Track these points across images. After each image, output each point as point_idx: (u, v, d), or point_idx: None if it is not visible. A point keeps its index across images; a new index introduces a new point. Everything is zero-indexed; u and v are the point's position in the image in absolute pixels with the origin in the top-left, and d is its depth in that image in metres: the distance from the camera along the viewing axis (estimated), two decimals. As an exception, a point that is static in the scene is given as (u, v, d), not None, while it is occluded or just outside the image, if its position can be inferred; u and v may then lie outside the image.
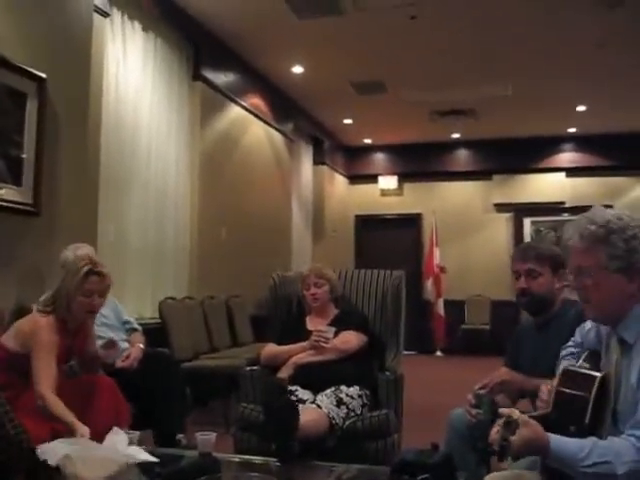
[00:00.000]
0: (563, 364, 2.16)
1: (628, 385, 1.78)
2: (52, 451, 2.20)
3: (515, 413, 1.71)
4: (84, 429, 2.59)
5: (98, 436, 2.51)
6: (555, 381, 1.97)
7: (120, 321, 4.05)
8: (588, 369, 1.94)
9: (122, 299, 4.79)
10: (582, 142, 10.88)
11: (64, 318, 2.99)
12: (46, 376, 2.78)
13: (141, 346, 3.84)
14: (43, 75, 4.09)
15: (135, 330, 4.07)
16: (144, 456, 2.31)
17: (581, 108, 9.29)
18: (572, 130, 10.60)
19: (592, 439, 1.69)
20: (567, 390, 1.90)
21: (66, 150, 4.36)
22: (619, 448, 1.65)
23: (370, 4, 5.90)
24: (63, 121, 4.32)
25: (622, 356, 1.85)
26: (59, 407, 2.69)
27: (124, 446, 2.35)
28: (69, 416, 2.66)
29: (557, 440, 1.70)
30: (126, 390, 3.24)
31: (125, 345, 3.87)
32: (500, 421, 1.71)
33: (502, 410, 1.76)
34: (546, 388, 2.13)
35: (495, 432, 1.73)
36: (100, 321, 3.85)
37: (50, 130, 4.17)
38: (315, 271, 3.66)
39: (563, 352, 2.28)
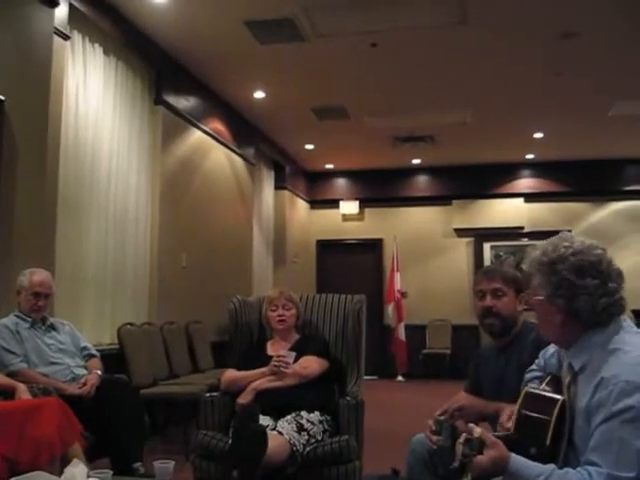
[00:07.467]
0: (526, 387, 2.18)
1: (579, 412, 1.80)
2: None
3: (476, 431, 1.72)
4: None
5: (41, 456, 2.58)
6: (517, 403, 1.99)
7: (77, 347, 3.97)
8: (550, 392, 1.96)
9: (80, 325, 4.72)
10: (540, 168, 11.08)
11: None
12: None
13: (98, 372, 3.78)
14: (1, 97, 4.04)
15: (93, 356, 4.00)
16: None
17: (538, 135, 9.45)
18: (530, 156, 10.76)
19: (551, 466, 1.71)
20: (529, 412, 1.92)
21: (23, 174, 4.29)
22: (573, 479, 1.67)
23: (331, 31, 5.96)
24: (21, 144, 4.26)
25: (571, 382, 1.89)
26: None
27: (83, 478, 2.29)
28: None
29: (517, 461, 1.72)
30: (83, 417, 3.18)
31: (83, 372, 3.80)
32: (461, 439, 1.72)
33: (469, 426, 1.77)
34: (506, 414, 2.14)
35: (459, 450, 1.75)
36: (57, 347, 3.80)
37: (7, 153, 4.11)
38: (285, 294, 3.67)
39: (527, 376, 2.30)
